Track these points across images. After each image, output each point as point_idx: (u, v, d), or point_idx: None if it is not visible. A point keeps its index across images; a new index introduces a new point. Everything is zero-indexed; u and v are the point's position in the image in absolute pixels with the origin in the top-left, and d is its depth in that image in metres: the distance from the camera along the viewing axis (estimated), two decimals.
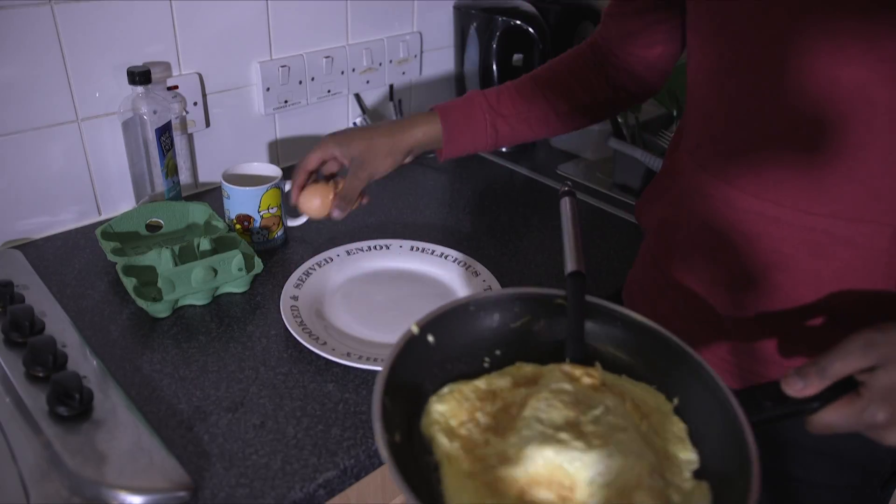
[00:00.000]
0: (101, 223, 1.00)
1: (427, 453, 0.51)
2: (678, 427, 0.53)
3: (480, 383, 0.56)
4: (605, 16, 0.86)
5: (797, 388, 0.52)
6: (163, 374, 0.77)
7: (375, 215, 1.12)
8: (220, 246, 0.93)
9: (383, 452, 0.46)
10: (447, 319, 0.58)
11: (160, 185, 1.04)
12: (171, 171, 1.04)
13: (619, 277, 0.97)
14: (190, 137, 1.13)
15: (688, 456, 0.51)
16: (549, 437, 0.49)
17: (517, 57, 1.34)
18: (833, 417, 0.51)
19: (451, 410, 0.53)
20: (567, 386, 0.54)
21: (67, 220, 1.03)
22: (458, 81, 1.43)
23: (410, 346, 0.55)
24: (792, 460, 0.75)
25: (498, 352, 0.60)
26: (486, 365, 0.60)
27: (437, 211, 1.15)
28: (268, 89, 1.17)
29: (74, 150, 1.00)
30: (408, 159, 0.91)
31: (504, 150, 1.40)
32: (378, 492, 0.78)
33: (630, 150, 1.20)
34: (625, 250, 1.05)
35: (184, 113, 1.09)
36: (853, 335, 0.52)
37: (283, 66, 1.17)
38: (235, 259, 0.89)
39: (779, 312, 0.67)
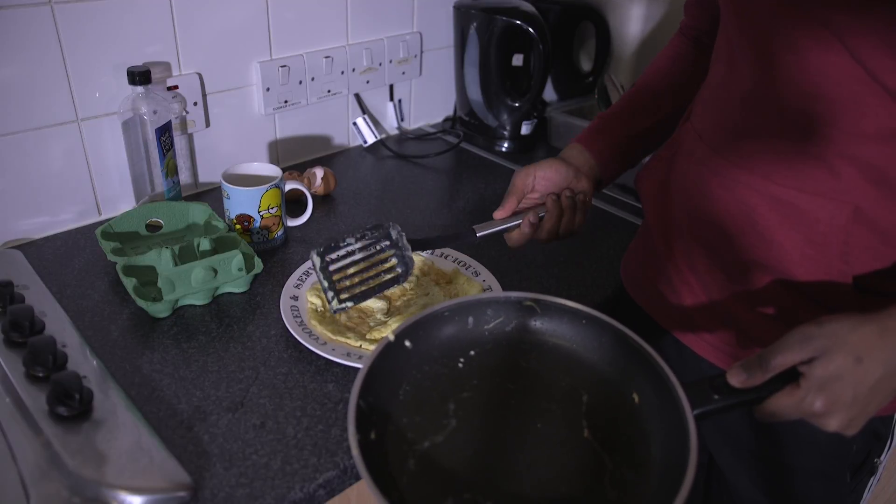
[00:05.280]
0: (101, 223, 1.00)
1: (404, 444, 0.55)
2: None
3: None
4: (686, 6, 0.88)
5: (741, 380, 0.56)
6: (163, 374, 0.77)
7: (375, 215, 1.12)
8: (220, 246, 0.93)
9: (354, 452, 0.50)
10: (423, 325, 0.63)
11: (160, 185, 1.04)
12: (171, 171, 1.04)
13: (618, 277, 0.97)
14: (190, 137, 1.13)
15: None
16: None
17: (517, 57, 1.34)
18: (776, 406, 0.55)
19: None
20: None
21: (67, 220, 1.03)
22: (459, 81, 1.43)
23: (387, 352, 0.60)
24: (776, 444, 0.77)
25: (472, 352, 0.64)
26: (460, 365, 0.63)
27: (437, 211, 1.15)
28: (268, 89, 1.17)
29: (74, 150, 1.00)
30: None
31: (504, 149, 1.40)
32: None
33: None
34: (624, 250, 1.04)
35: (184, 113, 1.09)
36: (793, 330, 0.55)
37: (283, 66, 1.17)
38: (235, 259, 0.89)
39: (748, 279, 0.70)
